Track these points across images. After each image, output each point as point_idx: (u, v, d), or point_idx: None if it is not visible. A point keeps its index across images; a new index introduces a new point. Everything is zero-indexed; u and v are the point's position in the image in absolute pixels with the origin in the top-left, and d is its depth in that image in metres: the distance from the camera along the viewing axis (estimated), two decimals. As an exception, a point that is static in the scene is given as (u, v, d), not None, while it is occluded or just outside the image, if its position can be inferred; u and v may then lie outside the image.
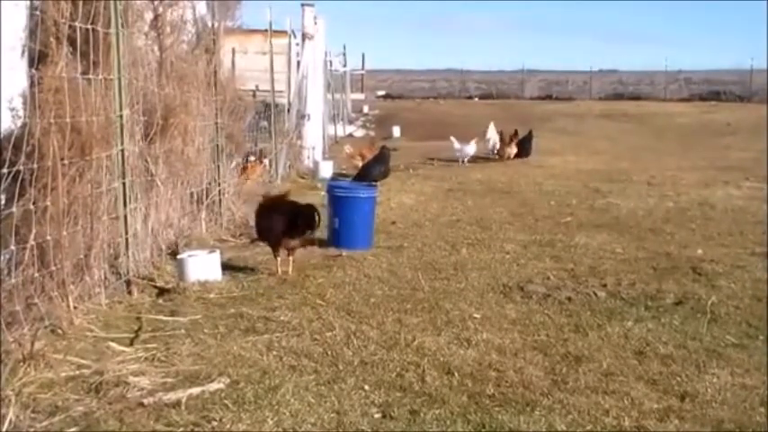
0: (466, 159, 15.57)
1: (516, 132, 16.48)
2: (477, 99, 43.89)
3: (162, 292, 5.73)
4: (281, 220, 6.20)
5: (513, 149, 15.95)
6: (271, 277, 6.25)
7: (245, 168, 10.55)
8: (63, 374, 4.02)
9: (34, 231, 4.61)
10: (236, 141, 9.56)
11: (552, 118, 28.28)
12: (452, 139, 15.90)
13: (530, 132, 16.62)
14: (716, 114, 30.89)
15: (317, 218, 6.17)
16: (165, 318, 5.15)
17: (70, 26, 5.12)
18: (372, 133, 25.66)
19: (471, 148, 15.70)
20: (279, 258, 6.26)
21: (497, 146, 16.32)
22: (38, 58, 4.95)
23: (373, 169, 10.92)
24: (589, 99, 42.23)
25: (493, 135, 16.64)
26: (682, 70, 46.38)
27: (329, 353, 4.52)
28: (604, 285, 6.12)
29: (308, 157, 13.96)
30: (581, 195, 11.28)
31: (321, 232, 7.96)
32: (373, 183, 9.50)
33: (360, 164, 12.26)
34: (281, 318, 5.14)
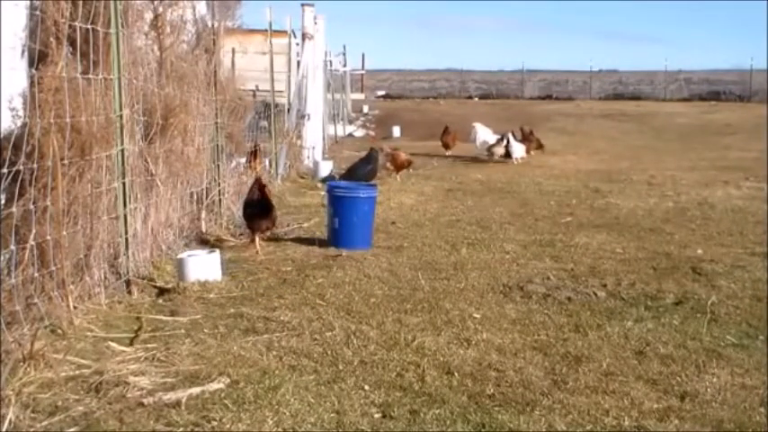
0: (517, 159, 15.48)
1: (502, 137, 16.49)
2: (476, 99, 43.84)
3: (162, 291, 5.74)
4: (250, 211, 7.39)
5: (502, 150, 15.92)
6: (271, 277, 6.26)
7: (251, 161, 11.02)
8: (63, 374, 4.02)
9: (34, 231, 4.61)
10: (235, 141, 9.57)
11: (552, 118, 28.27)
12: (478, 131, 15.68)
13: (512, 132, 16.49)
14: (716, 114, 30.90)
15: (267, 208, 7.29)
16: (164, 318, 5.15)
17: (70, 26, 5.12)
18: (372, 133, 25.67)
19: (520, 148, 15.65)
20: (256, 239, 7.25)
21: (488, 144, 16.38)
22: (38, 58, 4.95)
23: (360, 169, 11.00)
24: (589, 99, 42.22)
25: (485, 136, 16.60)
26: (682, 70, 46.38)
27: (329, 353, 4.52)
28: (604, 285, 6.13)
29: (308, 157, 13.95)
30: (581, 195, 11.29)
31: (321, 232, 8.01)
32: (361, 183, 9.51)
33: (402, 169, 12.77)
34: (281, 318, 5.14)
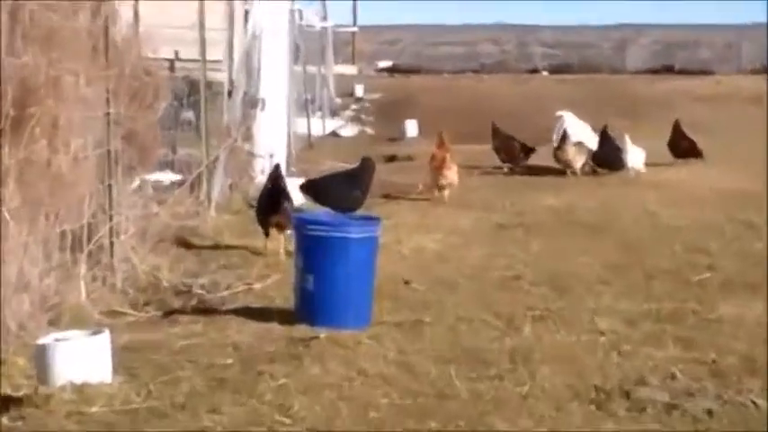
0: (633, 170, 16.25)
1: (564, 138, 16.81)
2: (545, 73, 44.36)
3: (6, 403, 5.67)
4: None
5: (575, 156, 16.36)
6: (197, 376, 6.21)
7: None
8: None
9: None
10: (141, 145, 9.57)
11: (672, 104, 28.48)
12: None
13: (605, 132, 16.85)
14: None
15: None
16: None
17: None
18: (370, 130, 25.81)
19: (639, 155, 16.41)
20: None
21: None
22: None
23: (338, 190, 10.67)
24: (736, 72, 42.46)
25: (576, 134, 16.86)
26: None
27: None
28: (770, 389, 6.11)
29: (263, 172, 13.94)
30: (725, 233, 11.36)
31: (284, 298, 7.94)
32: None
33: (448, 173, 13.50)
34: (215, 449, 5.10)
